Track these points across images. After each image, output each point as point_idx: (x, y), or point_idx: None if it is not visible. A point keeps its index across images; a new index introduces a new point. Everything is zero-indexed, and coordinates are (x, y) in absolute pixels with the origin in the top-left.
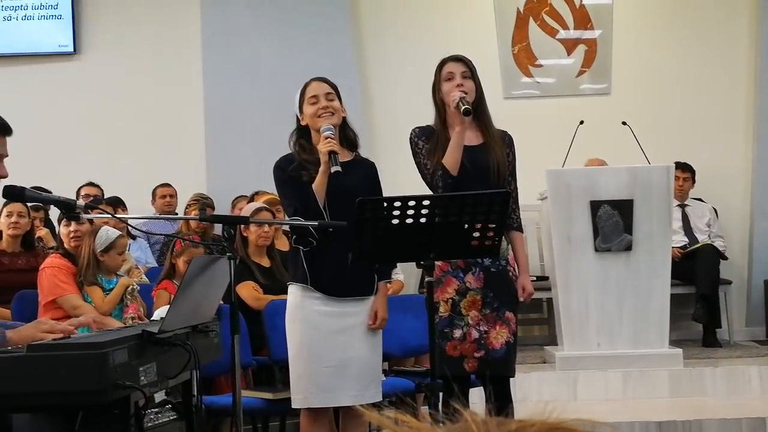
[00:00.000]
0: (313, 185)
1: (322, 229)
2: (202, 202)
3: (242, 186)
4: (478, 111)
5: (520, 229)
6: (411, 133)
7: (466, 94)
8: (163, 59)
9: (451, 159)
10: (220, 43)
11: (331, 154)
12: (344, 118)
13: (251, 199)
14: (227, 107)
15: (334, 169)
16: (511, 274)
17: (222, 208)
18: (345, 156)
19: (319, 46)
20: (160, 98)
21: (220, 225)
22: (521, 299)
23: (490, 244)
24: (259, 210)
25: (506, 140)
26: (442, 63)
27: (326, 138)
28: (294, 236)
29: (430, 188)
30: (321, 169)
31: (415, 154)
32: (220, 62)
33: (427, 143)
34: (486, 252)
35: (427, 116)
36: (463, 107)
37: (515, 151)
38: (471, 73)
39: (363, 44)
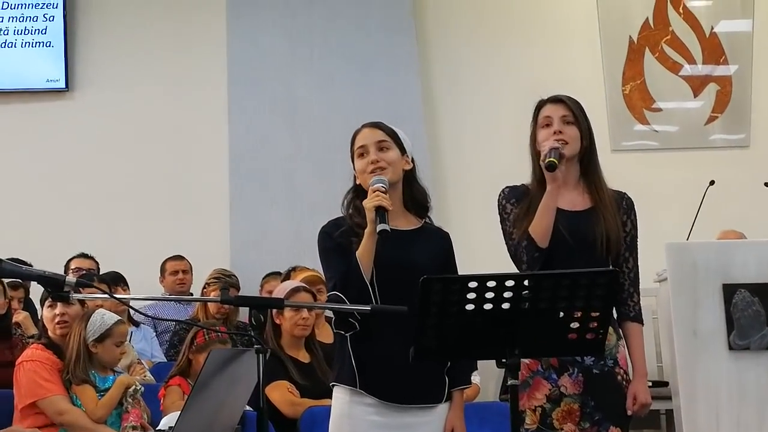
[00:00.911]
0: (357, 252)
1: (375, 314)
2: (225, 281)
3: (275, 260)
4: (586, 167)
5: (638, 319)
6: (500, 195)
7: (565, 143)
8: (177, 98)
9: (539, 226)
10: (251, 79)
11: (379, 210)
12: (411, 173)
13: (286, 276)
14: (258, 159)
15: (380, 227)
16: (620, 378)
17: (249, 288)
18: (410, 223)
19: (377, 84)
20: (174, 147)
21: (247, 309)
22: (630, 412)
23: (592, 339)
24: (296, 290)
25: (624, 205)
26: (539, 106)
27: (374, 191)
28: (334, 319)
29: (515, 263)
30: (366, 230)
31: (502, 221)
32: (250, 103)
33: (516, 205)
34: (587, 348)
35: (513, 173)
36: (547, 160)
37: (636, 219)
38: (575, 117)
39: (432, 82)
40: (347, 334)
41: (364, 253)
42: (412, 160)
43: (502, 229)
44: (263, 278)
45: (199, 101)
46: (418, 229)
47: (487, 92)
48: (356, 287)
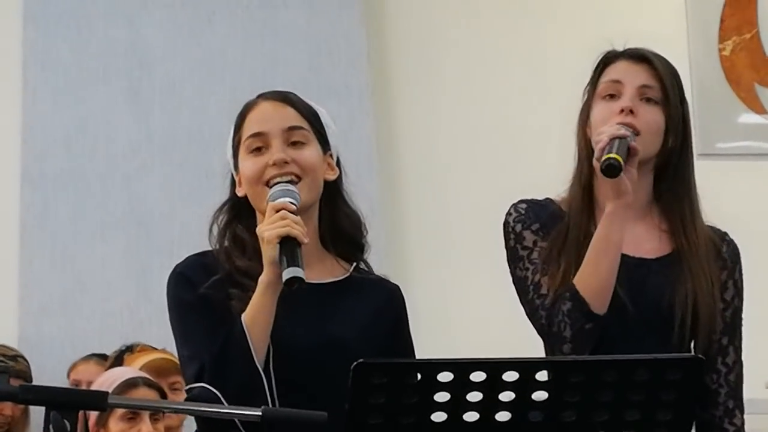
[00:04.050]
0: (245, 315)
1: (269, 423)
2: (4, 365)
3: (98, 333)
4: (668, 182)
5: None
6: (509, 214)
7: (636, 133)
8: None
9: (595, 276)
10: (62, 13)
11: (286, 243)
12: (335, 186)
13: (117, 361)
14: (73, 158)
15: (289, 273)
16: None
17: (50, 377)
18: (330, 271)
19: (283, 23)
20: None
21: (42, 412)
22: None
23: None
24: (131, 384)
25: (725, 254)
26: (605, 62)
27: (277, 210)
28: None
29: (545, 340)
30: (263, 278)
31: (514, 260)
32: (61, 57)
33: (543, 236)
34: None
35: (514, 188)
36: (605, 157)
37: (742, 279)
38: (664, 92)
39: (384, 34)
40: None
41: (258, 316)
42: (338, 163)
43: (515, 275)
44: (74, 363)
45: None
46: (343, 281)
47: (476, 60)
48: (239, 379)
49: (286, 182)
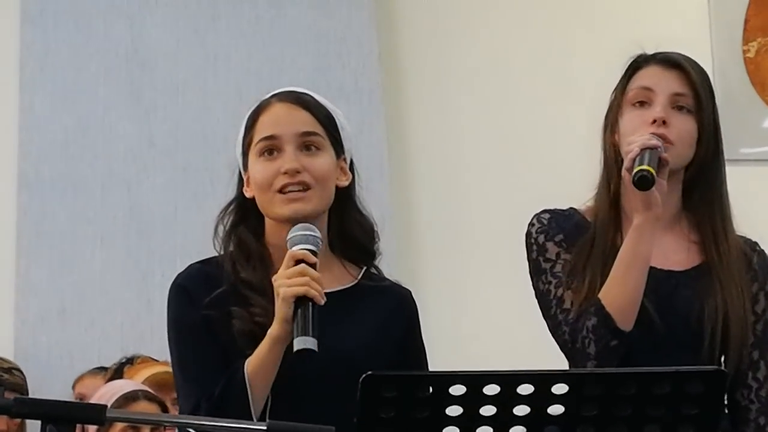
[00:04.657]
0: (248, 364)
1: None
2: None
3: (98, 345)
4: (700, 192)
5: None
6: (531, 225)
7: (668, 143)
8: None
9: (621, 291)
10: (62, 12)
11: (302, 303)
12: (347, 191)
13: (117, 373)
14: (71, 163)
15: (300, 343)
16: None
17: (49, 391)
18: (339, 277)
19: (294, 36)
20: None
21: (38, 425)
22: None
23: None
24: (131, 398)
25: (756, 264)
26: (636, 65)
27: (297, 260)
28: None
29: (567, 356)
30: (272, 332)
31: (536, 272)
32: (60, 57)
33: (567, 248)
34: None
35: (529, 194)
36: (637, 168)
37: None
38: (698, 101)
39: (396, 33)
40: None
41: (262, 369)
42: (351, 166)
43: (537, 289)
44: (78, 379)
45: None
46: (351, 288)
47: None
48: (238, 416)
49: (301, 191)
